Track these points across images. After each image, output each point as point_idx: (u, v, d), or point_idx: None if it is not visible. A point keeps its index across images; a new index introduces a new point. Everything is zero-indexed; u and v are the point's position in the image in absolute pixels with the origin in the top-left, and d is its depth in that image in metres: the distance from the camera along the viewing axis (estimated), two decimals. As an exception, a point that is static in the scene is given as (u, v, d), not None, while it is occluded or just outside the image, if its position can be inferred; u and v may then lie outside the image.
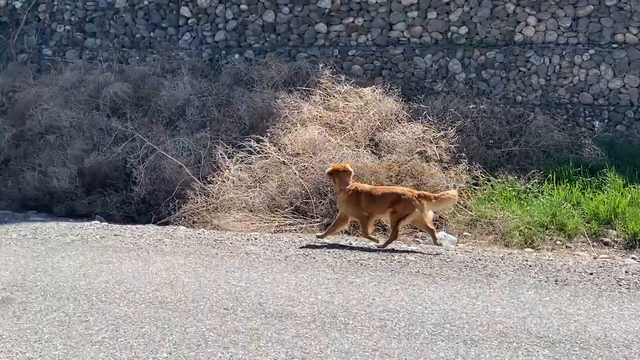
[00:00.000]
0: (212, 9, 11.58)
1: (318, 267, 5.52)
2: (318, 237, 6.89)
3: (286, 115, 9.59)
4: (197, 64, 11.30)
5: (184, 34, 11.77)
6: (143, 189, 8.79)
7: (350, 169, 6.85)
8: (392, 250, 6.29)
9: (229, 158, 8.93)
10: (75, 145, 9.70)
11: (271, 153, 9.02)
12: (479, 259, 5.93)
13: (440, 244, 6.72)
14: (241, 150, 9.07)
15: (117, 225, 7.56)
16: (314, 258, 5.83)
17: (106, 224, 7.65)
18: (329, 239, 6.80)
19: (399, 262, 5.76)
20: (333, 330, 4.17)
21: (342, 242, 6.75)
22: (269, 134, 9.25)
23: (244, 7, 11.38)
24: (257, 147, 9.03)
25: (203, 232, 7.07)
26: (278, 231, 7.83)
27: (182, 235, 6.87)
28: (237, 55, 11.39)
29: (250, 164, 8.94)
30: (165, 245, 6.35)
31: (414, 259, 5.89)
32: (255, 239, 6.60)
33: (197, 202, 8.44)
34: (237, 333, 4.15)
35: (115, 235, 6.75)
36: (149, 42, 11.96)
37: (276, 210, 8.43)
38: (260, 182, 8.75)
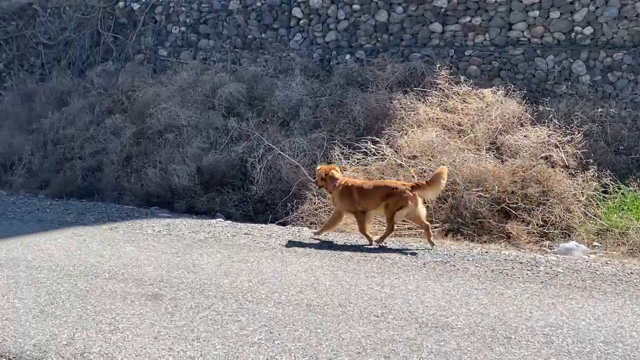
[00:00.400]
0: (324, 10, 11.57)
1: (462, 276, 5.32)
2: (315, 233, 6.87)
3: (402, 117, 9.43)
4: (308, 65, 11.31)
5: (294, 34, 11.82)
6: (261, 188, 8.84)
7: (337, 168, 6.96)
8: (519, 261, 5.99)
9: (345, 159, 8.85)
10: (194, 144, 9.89)
11: (387, 155, 8.88)
12: (631, 273, 5.56)
13: (434, 243, 6.41)
14: (357, 152, 8.98)
15: (241, 223, 7.63)
16: (454, 266, 5.64)
17: (230, 222, 7.71)
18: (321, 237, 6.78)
19: (546, 273, 5.47)
20: (496, 345, 3.97)
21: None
22: (384, 136, 9.11)
23: (356, 7, 11.30)
24: (372, 149, 8.92)
25: (328, 234, 6.98)
26: (396, 235, 7.68)
27: (308, 236, 6.81)
28: (348, 56, 11.33)
29: (366, 165, 8.83)
30: (296, 246, 6.31)
31: (561, 270, 5.59)
32: (385, 243, 6.46)
33: (314, 203, 8.41)
34: (394, 342, 4.02)
35: (245, 234, 6.79)
36: (260, 43, 12.08)
37: (392, 212, 8.28)
38: (377, 184, 8.62)
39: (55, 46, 13.48)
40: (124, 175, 10.08)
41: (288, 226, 7.81)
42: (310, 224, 8.13)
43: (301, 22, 11.74)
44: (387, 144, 9.04)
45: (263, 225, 7.50)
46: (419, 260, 5.82)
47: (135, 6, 13.00)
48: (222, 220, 7.84)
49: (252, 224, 7.48)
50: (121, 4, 13.11)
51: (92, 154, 10.70)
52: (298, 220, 8.26)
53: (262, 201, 9.02)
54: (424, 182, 6.46)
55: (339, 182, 6.65)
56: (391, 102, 9.69)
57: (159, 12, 12.87)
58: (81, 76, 12.96)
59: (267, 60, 11.73)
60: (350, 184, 6.62)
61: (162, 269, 5.53)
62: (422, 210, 6.47)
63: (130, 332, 4.25)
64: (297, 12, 11.77)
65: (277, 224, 8.06)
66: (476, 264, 5.69)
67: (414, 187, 6.38)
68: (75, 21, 13.26)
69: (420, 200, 6.39)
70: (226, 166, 9.52)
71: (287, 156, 8.94)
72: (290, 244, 6.43)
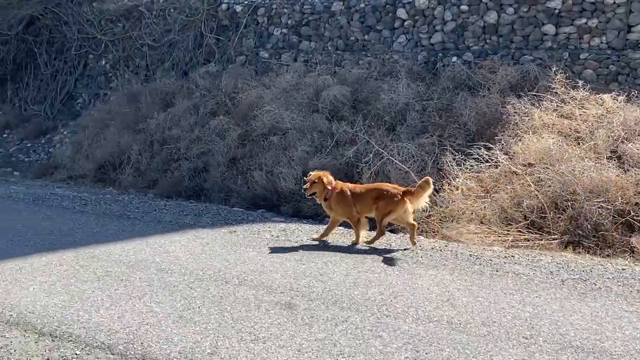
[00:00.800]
0: (430, 11, 11.32)
1: (606, 296, 5.01)
2: (314, 239, 6.77)
3: (516, 122, 9.08)
4: (413, 67, 11.08)
5: (398, 36, 11.63)
6: (370, 194, 8.70)
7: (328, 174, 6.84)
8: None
9: (456, 165, 8.61)
10: (299, 147, 9.87)
11: (501, 162, 8.56)
12: None
13: (416, 242, 6.52)
14: (469, 158, 8.71)
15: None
16: (595, 284, 5.32)
17: (343, 228, 7.59)
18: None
19: (700, 296, 5.08)
20: (667, 377, 3.68)
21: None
22: (498, 142, 8.80)
23: (464, 7, 10.99)
24: (485, 155, 8.62)
25: (447, 244, 6.78)
26: (512, 246, 7.37)
27: (427, 246, 6.62)
28: (454, 58, 11.02)
29: (479, 172, 8.55)
30: (421, 257, 6.14)
31: None
32: (513, 256, 6.20)
33: (426, 211, 8.20)
34: (552, 368, 3.80)
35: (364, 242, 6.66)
36: (363, 44, 11.95)
37: (509, 224, 7.97)
38: (490, 192, 8.33)
39: (159, 48, 13.83)
40: (229, 176, 10.17)
41: (400, 234, 7.63)
42: (421, 232, 7.93)
43: (406, 23, 11.53)
44: (501, 150, 8.74)
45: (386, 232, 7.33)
46: (556, 277, 5.53)
47: (238, 8, 13.14)
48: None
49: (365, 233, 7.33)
50: (224, 5, 13.28)
51: (198, 155, 10.87)
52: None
53: (371, 207, 8.90)
54: (414, 190, 6.54)
55: (333, 185, 6.65)
56: (504, 107, 9.35)
57: (261, 13, 12.97)
58: (184, 77, 13.23)
59: (370, 62, 11.59)
60: (344, 189, 6.65)
61: (290, 277, 5.48)
62: (410, 212, 6.57)
63: (272, 342, 4.21)
64: (401, 13, 11.57)
65: (388, 230, 7.91)
66: (618, 283, 5.35)
67: (406, 192, 6.49)
68: (179, 23, 13.54)
69: (410, 204, 6.48)
70: (332, 170, 9.43)
71: (397, 161, 8.77)
72: (414, 254, 6.25)
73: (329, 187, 6.65)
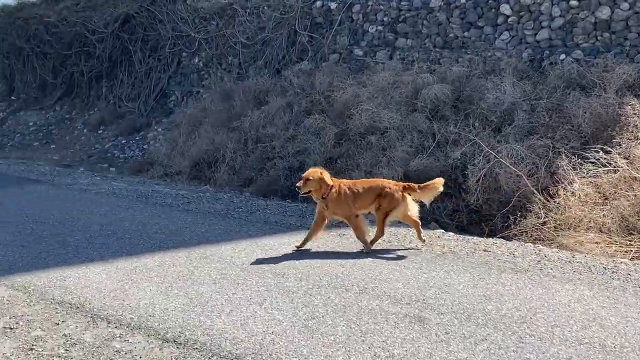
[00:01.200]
0: (536, 6, 10.73)
1: None
2: (297, 247, 6.35)
3: (636, 124, 8.47)
4: (517, 65, 10.55)
5: (501, 33, 11.10)
6: (477, 198, 8.30)
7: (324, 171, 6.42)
8: None
9: (572, 170, 8.09)
10: (399, 147, 9.55)
11: (621, 166, 7.99)
12: None
13: (424, 240, 6.39)
14: (585, 162, 8.17)
15: (466, 236, 7.13)
16: None
17: (452, 234, 7.24)
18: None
19: None
20: None
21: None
22: (616, 145, 8.23)
23: (573, 2, 10.36)
24: (603, 159, 8.06)
25: (573, 255, 6.30)
26: (636, 257, 6.82)
27: (553, 257, 6.17)
28: (562, 56, 10.42)
29: (596, 177, 8.01)
30: (550, 269, 5.71)
31: None
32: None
33: (540, 217, 7.73)
34: None
35: (484, 250, 6.29)
36: (462, 41, 11.49)
37: (630, 233, 7.40)
38: (609, 199, 7.78)
39: (252, 45, 13.78)
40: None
41: (515, 242, 7.19)
42: (535, 240, 7.48)
43: (509, 19, 10.99)
44: (620, 154, 8.16)
45: (496, 240, 6.96)
46: None
47: (333, 5, 12.93)
48: (443, 231, 7.39)
49: (482, 239, 6.96)
50: (318, 3, 13.10)
51: (294, 154, 10.71)
52: (522, 235, 7.64)
53: (477, 212, 8.49)
54: (417, 186, 6.32)
55: (332, 185, 6.24)
56: (622, 108, 8.73)
57: (356, 10, 12.70)
58: (277, 75, 13.13)
59: (471, 60, 11.12)
60: (342, 186, 6.29)
61: (412, 287, 5.18)
62: (414, 210, 6.38)
63: (409, 360, 3.92)
64: (505, 8, 11.03)
65: (497, 238, 7.49)
66: None
67: (406, 188, 6.28)
68: (273, 21, 13.45)
69: (410, 199, 6.29)
70: (435, 172, 9.07)
71: (508, 164, 8.31)
72: (542, 265, 5.83)
73: (327, 185, 6.22)
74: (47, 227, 7.11)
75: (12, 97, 18.27)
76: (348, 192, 6.26)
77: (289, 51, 13.26)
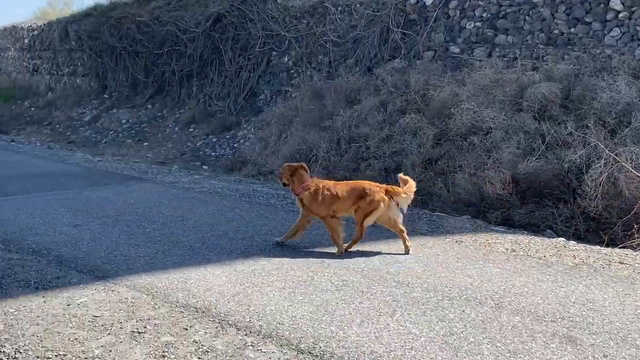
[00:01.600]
0: (652, 0, 10.08)
1: None
2: (277, 242, 6.39)
3: None
4: (631, 63, 9.92)
5: (611, 29, 10.48)
6: (597, 204, 7.80)
7: (306, 167, 6.37)
8: None
9: None
10: (505, 149, 9.12)
11: None
12: None
13: (409, 250, 6.09)
14: None
15: (589, 245, 6.70)
16: None
17: (575, 242, 6.82)
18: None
19: None
20: None
21: None
22: None
23: (698, -5, 9.66)
24: None
25: None
26: None
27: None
28: (681, 53, 9.74)
29: None
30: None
31: None
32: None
33: (668, 229, 7.19)
34: None
35: (620, 262, 5.86)
36: (568, 38, 10.92)
37: None
38: None
39: (343, 44, 13.60)
40: (426, 178, 9.63)
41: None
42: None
43: (620, 15, 10.36)
44: None
45: (627, 251, 6.48)
46: None
47: (428, 1, 12.57)
48: (565, 240, 6.97)
49: (611, 249, 6.53)
50: (413, 0, 12.77)
51: (390, 155, 10.43)
52: (640, 245, 7.14)
53: (594, 219, 8.00)
54: (402, 190, 6.14)
55: (308, 184, 6.15)
56: None
57: (453, 6, 12.30)
58: (368, 74, 12.88)
59: (578, 57, 10.55)
60: (321, 186, 6.17)
61: (553, 302, 4.84)
62: (399, 216, 6.18)
63: (571, 386, 3.61)
64: (615, 3, 10.40)
65: (620, 248, 7.01)
66: None
67: (389, 192, 6.09)
68: (365, 18, 13.21)
69: (394, 204, 6.10)
70: (546, 176, 8.62)
71: (631, 169, 7.78)
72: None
73: (302, 178, 6.19)
74: (158, 226, 7.11)
75: (105, 95, 18.79)
76: (327, 192, 6.17)
77: (381, 49, 13.00)
